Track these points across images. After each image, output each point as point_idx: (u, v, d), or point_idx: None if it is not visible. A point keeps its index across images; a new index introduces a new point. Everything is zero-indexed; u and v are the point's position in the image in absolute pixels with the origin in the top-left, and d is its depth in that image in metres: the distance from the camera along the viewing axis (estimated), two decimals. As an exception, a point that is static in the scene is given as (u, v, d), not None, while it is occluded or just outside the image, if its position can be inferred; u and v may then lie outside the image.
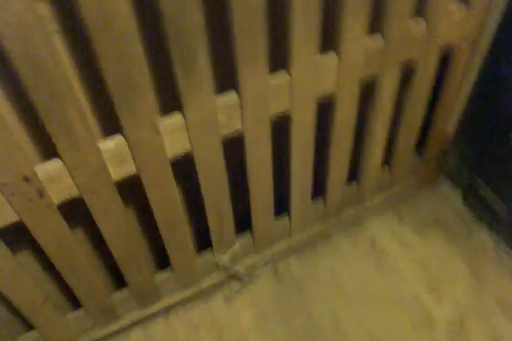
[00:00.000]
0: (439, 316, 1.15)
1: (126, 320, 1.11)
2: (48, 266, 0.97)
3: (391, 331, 1.14)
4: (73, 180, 0.77)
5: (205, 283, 1.16)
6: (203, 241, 1.08)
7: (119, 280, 1.10)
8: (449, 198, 1.37)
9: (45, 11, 0.62)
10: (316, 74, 0.86)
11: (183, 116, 0.79)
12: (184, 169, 0.91)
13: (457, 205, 1.36)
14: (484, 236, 1.29)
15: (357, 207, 1.28)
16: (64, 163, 0.74)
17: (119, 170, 0.80)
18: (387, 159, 1.23)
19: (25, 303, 0.91)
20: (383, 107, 1.03)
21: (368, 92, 0.99)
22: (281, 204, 1.13)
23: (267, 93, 0.83)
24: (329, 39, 0.85)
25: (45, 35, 0.59)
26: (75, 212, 0.87)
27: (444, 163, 1.34)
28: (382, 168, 1.24)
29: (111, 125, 0.78)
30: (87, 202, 0.82)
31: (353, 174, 1.20)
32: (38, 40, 0.58)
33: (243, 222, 1.10)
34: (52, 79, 0.63)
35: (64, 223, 0.83)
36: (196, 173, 0.90)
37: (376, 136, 1.09)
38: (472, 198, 1.32)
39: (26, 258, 0.94)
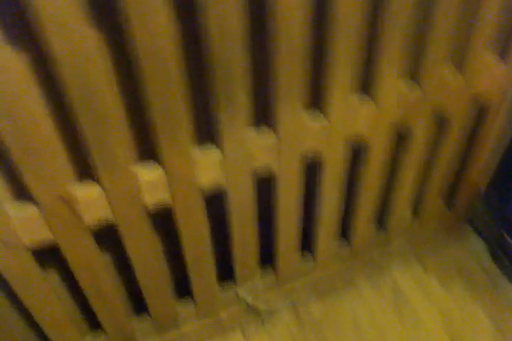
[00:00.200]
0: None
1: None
2: (70, 285, 0.99)
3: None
4: (109, 206, 0.79)
5: (225, 315, 1.16)
6: (224, 271, 1.09)
7: (136, 305, 1.11)
8: (475, 250, 1.36)
9: (99, 42, 0.67)
10: (349, 117, 0.89)
11: (220, 149, 0.82)
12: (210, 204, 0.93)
13: (484, 258, 1.34)
14: (511, 292, 1.27)
15: (381, 251, 1.27)
16: (102, 187, 0.77)
17: (154, 200, 0.83)
18: (416, 205, 1.23)
19: (48, 322, 0.92)
20: (415, 154, 1.04)
21: (401, 136, 1.01)
22: (305, 239, 1.14)
23: (302, 131, 0.86)
24: (365, 83, 0.88)
25: (97, 63, 0.63)
26: (103, 235, 0.89)
27: (472, 215, 1.34)
28: (409, 213, 1.24)
29: (143, 151, 0.82)
30: (121, 232, 0.85)
31: (380, 216, 1.21)
32: (90, 67, 0.63)
33: (266, 255, 1.11)
34: (99, 105, 0.67)
35: (96, 246, 0.85)
36: (225, 208, 0.92)
37: (406, 181, 1.10)
38: (499, 252, 1.30)
39: (52, 276, 0.96)
